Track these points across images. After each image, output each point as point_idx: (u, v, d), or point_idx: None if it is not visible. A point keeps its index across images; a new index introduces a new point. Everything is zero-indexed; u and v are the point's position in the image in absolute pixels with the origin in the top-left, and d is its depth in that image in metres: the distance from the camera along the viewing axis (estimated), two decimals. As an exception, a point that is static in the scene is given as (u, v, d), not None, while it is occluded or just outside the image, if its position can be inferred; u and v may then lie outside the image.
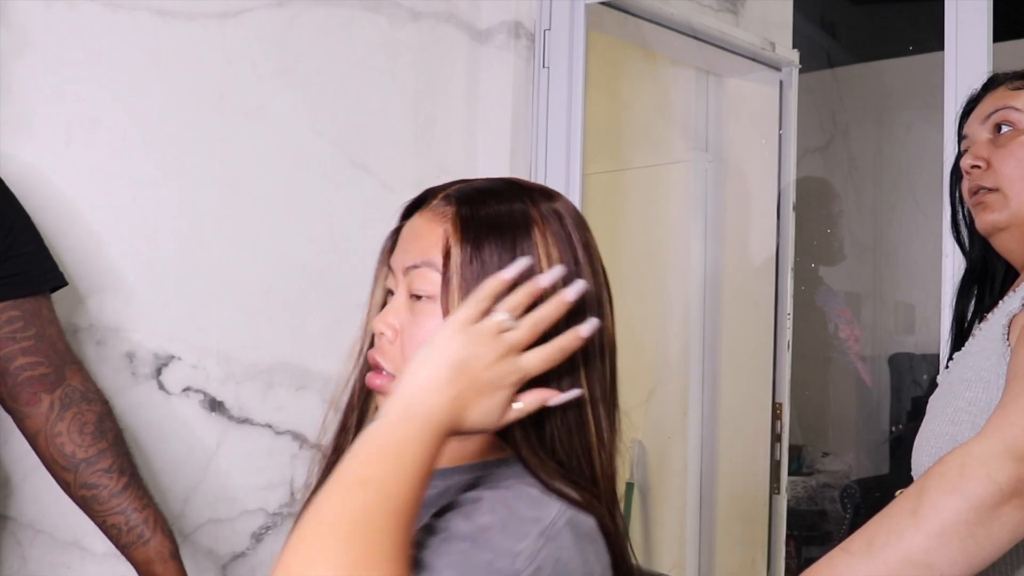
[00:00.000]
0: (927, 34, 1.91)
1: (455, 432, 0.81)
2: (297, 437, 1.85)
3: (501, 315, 0.83)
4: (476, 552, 0.78)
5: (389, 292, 0.96)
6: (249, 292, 1.80)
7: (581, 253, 0.91)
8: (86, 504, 1.36)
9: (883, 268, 3.68)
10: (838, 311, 3.39)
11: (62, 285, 1.42)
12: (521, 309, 0.84)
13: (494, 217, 0.90)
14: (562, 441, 0.88)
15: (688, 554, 2.76)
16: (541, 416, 0.87)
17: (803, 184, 3.26)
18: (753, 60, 2.59)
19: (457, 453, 0.92)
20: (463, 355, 0.81)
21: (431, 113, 2.07)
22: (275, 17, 1.83)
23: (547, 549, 0.80)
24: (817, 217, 3.34)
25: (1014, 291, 1.20)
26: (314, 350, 1.88)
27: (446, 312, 0.88)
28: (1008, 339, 1.13)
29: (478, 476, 0.90)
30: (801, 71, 2.66)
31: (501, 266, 0.87)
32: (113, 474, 1.36)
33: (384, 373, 0.93)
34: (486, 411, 0.82)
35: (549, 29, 2.14)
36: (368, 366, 0.96)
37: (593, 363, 0.91)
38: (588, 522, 0.86)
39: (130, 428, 1.62)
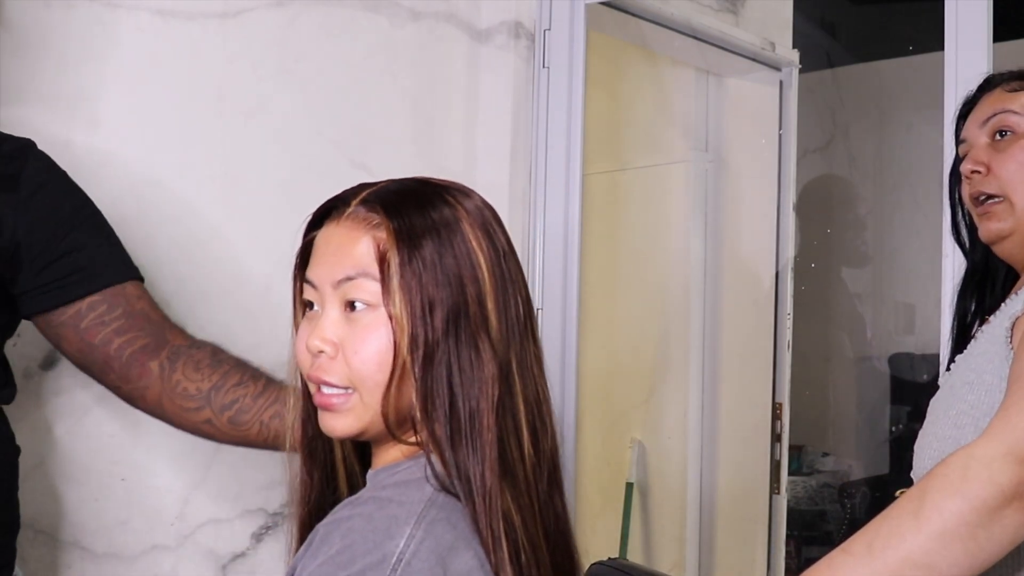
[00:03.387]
0: (927, 34, 1.91)
1: None
2: (297, 437, 1.85)
3: None
4: None
5: (307, 307, 0.96)
6: (249, 292, 1.80)
7: (502, 241, 0.94)
8: (235, 425, 1.29)
9: (883, 268, 3.68)
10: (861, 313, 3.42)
11: (137, 278, 1.36)
12: None
13: (424, 216, 0.91)
14: (474, 430, 0.88)
15: (688, 554, 2.76)
16: (464, 417, 0.88)
17: (815, 183, 3.26)
18: (753, 60, 2.59)
19: (390, 455, 0.94)
20: None
21: (431, 113, 2.07)
22: (275, 17, 1.83)
23: None
24: (828, 219, 3.34)
25: (1016, 293, 1.19)
26: (314, 350, 1.87)
27: (391, 316, 0.89)
28: (1011, 341, 1.13)
29: (395, 472, 0.91)
30: (801, 71, 2.66)
31: (443, 268, 0.89)
32: (247, 383, 1.30)
33: (332, 391, 0.92)
34: None
35: (549, 29, 2.13)
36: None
37: (523, 339, 0.93)
38: (452, 532, 0.86)
39: (130, 427, 1.62)
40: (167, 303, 1.69)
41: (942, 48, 1.68)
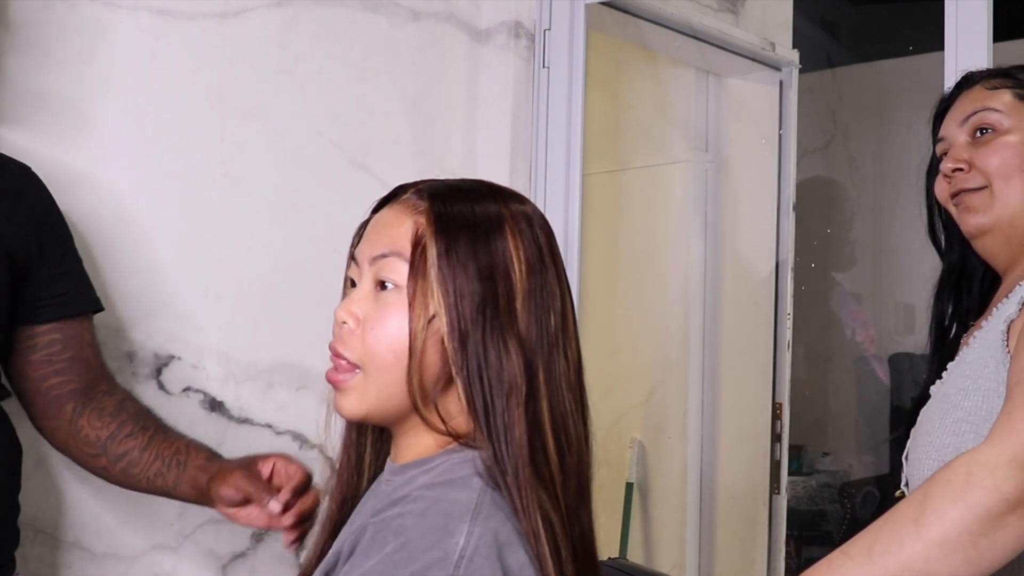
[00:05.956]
0: (927, 34, 1.90)
1: None
2: (297, 437, 1.85)
3: None
4: None
5: (351, 283, 0.97)
6: (249, 292, 1.80)
7: (546, 253, 0.95)
8: (127, 476, 1.35)
9: (883, 268, 3.68)
10: (854, 314, 3.40)
11: (100, 310, 1.44)
12: None
13: (468, 213, 0.92)
14: (506, 424, 0.89)
15: (688, 554, 2.75)
16: (496, 409, 0.89)
17: (810, 184, 3.26)
18: (753, 60, 2.59)
19: (415, 450, 0.94)
20: None
21: (431, 113, 2.07)
22: (275, 17, 1.83)
23: None
24: (826, 220, 3.33)
25: (1007, 297, 1.17)
26: (314, 350, 1.87)
27: (412, 302, 0.89)
28: (1007, 345, 1.11)
29: (429, 469, 0.91)
30: (801, 71, 2.66)
31: (476, 260, 0.89)
32: (137, 435, 1.35)
33: (344, 364, 0.93)
34: None
35: (549, 29, 2.13)
36: None
37: (552, 351, 0.93)
38: (506, 527, 0.86)
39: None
40: (167, 303, 1.69)
41: (942, 48, 1.67)
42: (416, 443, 0.94)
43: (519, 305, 0.91)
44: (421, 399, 0.90)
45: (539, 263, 0.93)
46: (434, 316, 0.89)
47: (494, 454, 0.88)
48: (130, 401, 1.40)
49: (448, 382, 0.91)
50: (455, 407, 0.91)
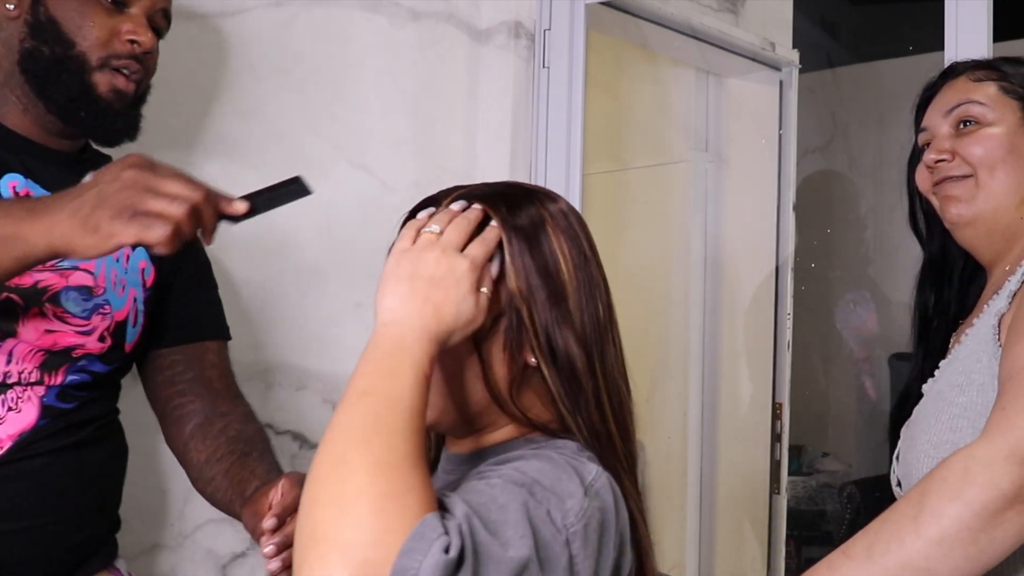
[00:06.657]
0: (927, 34, 1.91)
1: (446, 335, 0.85)
2: (297, 437, 1.85)
3: (430, 228, 0.89)
4: (534, 500, 0.80)
5: None
6: (249, 292, 1.80)
7: (586, 245, 0.97)
8: (216, 501, 1.33)
9: (883, 268, 3.68)
10: (856, 330, 3.39)
11: (225, 339, 1.47)
12: (446, 222, 0.90)
13: (513, 220, 0.93)
14: (586, 414, 0.93)
15: (688, 554, 2.75)
16: (562, 394, 0.92)
17: (811, 178, 3.25)
18: (753, 60, 2.59)
19: (491, 439, 0.96)
20: (410, 269, 0.86)
21: (431, 113, 2.07)
22: (274, 17, 1.83)
23: (592, 505, 0.84)
24: (827, 219, 3.33)
25: (997, 293, 1.18)
26: (314, 350, 1.87)
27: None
28: (999, 339, 1.12)
29: (513, 452, 0.93)
30: (801, 71, 2.66)
31: (525, 264, 0.91)
32: (224, 459, 1.33)
33: None
34: (458, 303, 0.86)
35: (549, 29, 2.13)
36: None
37: (604, 341, 0.96)
38: (616, 486, 0.90)
39: (130, 428, 1.62)
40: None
41: (942, 48, 1.68)
42: (493, 436, 0.96)
43: (572, 303, 0.93)
44: (503, 403, 0.93)
45: (583, 258, 0.95)
46: (499, 315, 0.91)
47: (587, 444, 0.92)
48: (237, 424, 1.38)
49: (521, 380, 0.93)
50: (529, 400, 0.94)
